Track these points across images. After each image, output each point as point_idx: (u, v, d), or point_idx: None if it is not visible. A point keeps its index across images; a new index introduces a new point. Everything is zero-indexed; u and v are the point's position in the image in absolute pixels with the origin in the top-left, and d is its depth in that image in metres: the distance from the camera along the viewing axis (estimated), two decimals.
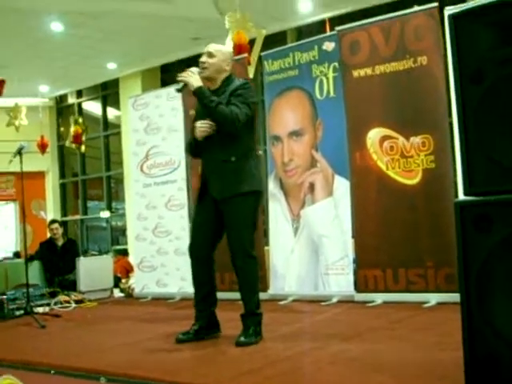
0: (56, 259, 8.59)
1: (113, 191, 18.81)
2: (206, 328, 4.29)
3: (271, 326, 4.37)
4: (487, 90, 2.49)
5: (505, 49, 2.45)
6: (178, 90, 4.32)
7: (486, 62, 2.49)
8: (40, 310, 6.53)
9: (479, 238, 2.44)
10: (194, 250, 4.33)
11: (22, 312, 6.19)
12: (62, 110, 19.71)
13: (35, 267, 8.46)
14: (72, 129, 16.14)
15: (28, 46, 13.67)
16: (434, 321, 4.75)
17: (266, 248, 6.81)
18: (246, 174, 4.20)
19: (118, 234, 18.40)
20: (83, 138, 16.23)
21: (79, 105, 19.09)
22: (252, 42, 10.01)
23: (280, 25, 13.11)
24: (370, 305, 5.66)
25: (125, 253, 11.84)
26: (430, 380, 2.85)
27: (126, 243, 15.79)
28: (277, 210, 6.73)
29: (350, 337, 4.20)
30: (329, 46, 6.42)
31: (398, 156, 5.77)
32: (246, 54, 7.82)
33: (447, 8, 5.20)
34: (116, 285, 8.39)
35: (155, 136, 7.81)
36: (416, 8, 5.83)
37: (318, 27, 12.27)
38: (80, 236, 18.97)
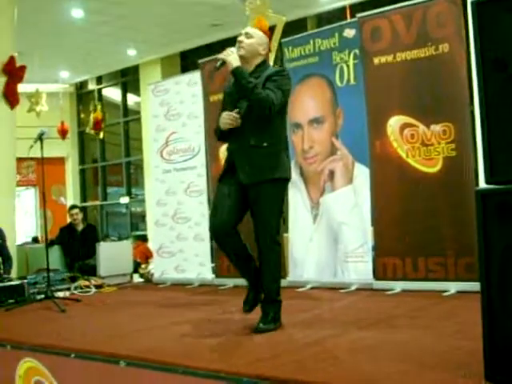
0: (76, 244, 8.65)
1: (132, 177, 18.88)
2: (259, 292, 4.25)
3: (289, 312, 4.37)
4: (510, 78, 2.47)
5: None
6: (217, 68, 4.26)
7: (509, 49, 2.47)
8: (60, 294, 6.61)
9: (500, 227, 2.43)
10: (215, 229, 4.21)
11: (42, 296, 6.25)
12: (82, 96, 19.79)
13: (55, 252, 8.53)
14: (92, 115, 16.19)
15: (49, 32, 13.73)
16: (453, 309, 4.73)
17: (285, 235, 6.79)
18: (277, 160, 4.15)
19: (138, 220, 18.48)
20: (103, 125, 16.28)
21: (99, 91, 19.17)
22: (272, 28, 9.98)
23: (300, 12, 13.06)
24: (389, 293, 5.65)
25: (144, 239, 11.91)
26: (449, 369, 2.85)
27: (145, 229, 15.88)
28: (296, 197, 6.72)
29: (369, 324, 4.20)
30: (349, 32, 6.38)
31: (418, 144, 5.73)
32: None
33: None
34: (135, 270, 8.44)
35: (175, 122, 7.82)
36: None
37: (339, 14, 12.21)
38: (100, 222, 19.08)
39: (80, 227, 8.95)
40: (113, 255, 7.93)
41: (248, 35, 4.27)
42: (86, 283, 7.21)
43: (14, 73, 9.10)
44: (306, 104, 6.68)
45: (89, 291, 7.02)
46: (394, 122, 5.87)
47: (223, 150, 5.74)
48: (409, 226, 5.72)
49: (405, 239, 5.73)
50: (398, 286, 5.72)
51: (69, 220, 9.22)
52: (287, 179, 4.29)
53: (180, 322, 4.14)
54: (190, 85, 7.67)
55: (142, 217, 17.66)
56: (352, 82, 6.34)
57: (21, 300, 6.24)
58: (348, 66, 6.37)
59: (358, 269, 6.13)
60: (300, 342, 3.70)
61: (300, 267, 6.60)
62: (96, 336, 4.30)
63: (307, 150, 6.59)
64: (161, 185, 7.96)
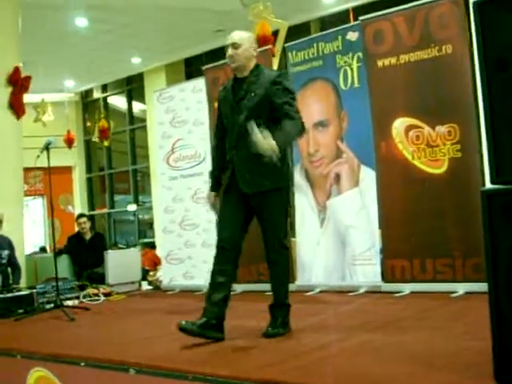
0: (84, 253, 8.66)
1: (139, 184, 18.93)
2: (211, 326, 3.96)
3: (298, 317, 4.37)
4: None
5: None
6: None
7: (511, 49, 2.47)
8: (69, 303, 6.62)
9: (506, 226, 2.43)
10: (225, 243, 4.12)
11: (51, 305, 6.24)
12: (87, 104, 19.88)
13: (64, 261, 8.55)
14: (98, 123, 16.27)
15: (53, 41, 13.80)
16: (461, 310, 4.73)
17: (292, 239, 6.79)
18: (280, 168, 4.05)
19: (145, 227, 18.52)
20: (109, 133, 16.35)
21: (105, 99, 19.23)
22: (275, 33, 10.00)
23: (303, 16, 13.10)
24: (398, 295, 5.64)
25: (152, 246, 11.93)
26: (457, 370, 2.84)
27: (153, 236, 15.90)
28: (303, 201, 6.72)
29: (378, 327, 4.19)
30: (352, 35, 6.38)
31: (423, 145, 5.73)
32: (270, 46, 7.81)
33: None
34: (144, 277, 8.44)
35: (181, 129, 7.84)
36: None
37: (342, 17, 12.23)
38: (107, 229, 19.12)
39: (88, 236, 8.96)
40: (121, 263, 7.94)
41: (236, 45, 4.13)
42: (95, 291, 7.22)
43: (20, 83, 9.14)
44: (311, 108, 6.68)
45: (98, 299, 7.02)
46: (399, 124, 5.87)
47: None
48: (416, 227, 5.71)
49: (411, 240, 5.72)
50: (407, 287, 5.71)
51: (77, 229, 9.23)
52: (289, 185, 4.31)
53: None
54: (195, 91, 7.68)
55: (150, 224, 17.70)
56: (356, 84, 6.35)
57: (30, 309, 6.25)
58: (352, 69, 6.37)
59: (366, 271, 6.12)
60: (309, 346, 3.70)
61: (308, 271, 6.60)
62: (105, 344, 4.30)
63: (313, 153, 6.59)
64: (168, 192, 7.97)
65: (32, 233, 16.22)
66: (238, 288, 6.85)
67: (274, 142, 3.75)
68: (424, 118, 5.73)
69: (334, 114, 6.49)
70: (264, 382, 2.94)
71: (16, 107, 9.09)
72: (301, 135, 4.22)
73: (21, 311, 6.20)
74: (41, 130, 14.46)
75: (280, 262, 4.15)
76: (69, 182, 19.56)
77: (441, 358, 3.12)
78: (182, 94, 7.90)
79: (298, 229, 6.78)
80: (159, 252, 9.24)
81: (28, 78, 9.34)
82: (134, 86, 18.30)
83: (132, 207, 18.43)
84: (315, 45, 6.69)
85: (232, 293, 6.51)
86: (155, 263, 9.42)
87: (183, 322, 3.93)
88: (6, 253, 7.63)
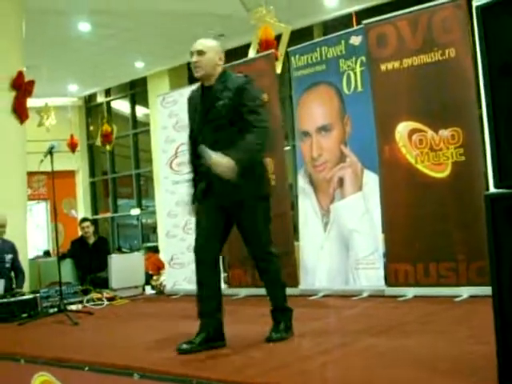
0: (87, 257, 8.67)
1: (142, 189, 18.94)
2: (211, 339, 3.95)
3: (301, 321, 4.37)
4: None
5: None
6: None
7: None
8: (73, 307, 6.63)
9: (510, 230, 2.43)
10: (200, 254, 4.06)
11: (55, 309, 6.26)
12: (90, 109, 19.91)
13: (67, 265, 8.56)
14: (101, 128, 16.30)
15: (56, 46, 13.83)
16: (465, 314, 4.72)
17: (295, 243, 6.81)
18: (258, 176, 4.03)
19: (149, 232, 18.52)
20: (113, 137, 16.38)
21: (108, 104, 19.25)
22: (278, 37, 10.01)
23: (306, 20, 13.11)
24: (401, 299, 5.63)
25: (156, 250, 11.92)
26: (462, 374, 2.84)
27: (156, 240, 15.90)
28: (306, 205, 6.73)
29: (381, 331, 4.19)
30: (356, 40, 6.39)
31: (427, 149, 5.73)
32: (273, 50, 7.81)
33: None
34: (147, 282, 8.44)
35: (184, 133, 7.79)
36: (443, 0, 5.78)
37: (345, 21, 12.23)
38: (111, 234, 19.13)
39: (91, 240, 8.96)
40: (124, 268, 7.93)
41: (201, 53, 4.05)
42: (99, 296, 7.22)
43: (23, 88, 9.17)
44: (314, 112, 6.69)
45: (101, 304, 7.03)
46: (403, 128, 5.87)
47: None
48: (419, 231, 5.71)
49: (414, 244, 5.71)
50: (410, 292, 5.70)
51: (80, 233, 9.24)
52: (269, 194, 4.16)
53: (193, 334, 4.13)
54: None
55: (153, 228, 17.71)
56: (359, 89, 6.35)
57: (34, 314, 6.26)
58: (355, 73, 6.38)
59: (370, 276, 6.12)
60: (312, 351, 3.69)
61: (311, 275, 6.60)
62: (109, 348, 4.31)
63: (316, 157, 6.59)
64: (171, 196, 7.97)
65: (35, 237, 16.25)
66: (240, 292, 6.86)
67: (231, 163, 3.73)
68: (427, 122, 5.73)
69: (337, 118, 6.49)
70: None
71: (19, 112, 9.12)
72: (265, 148, 4.01)
73: (24, 315, 6.22)
74: (44, 135, 14.49)
75: (270, 270, 4.10)
76: (72, 187, 19.58)
77: (445, 362, 3.11)
78: (185, 98, 7.85)
79: (301, 233, 6.78)
80: (162, 256, 9.24)
81: (31, 83, 9.37)
82: (137, 91, 18.33)
83: (135, 211, 18.44)
84: (318, 49, 6.70)
85: (234, 297, 6.56)
86: (159, 267, 9.41)
87: (183, 346, 3.89)
88: (9, 257, 7.65)
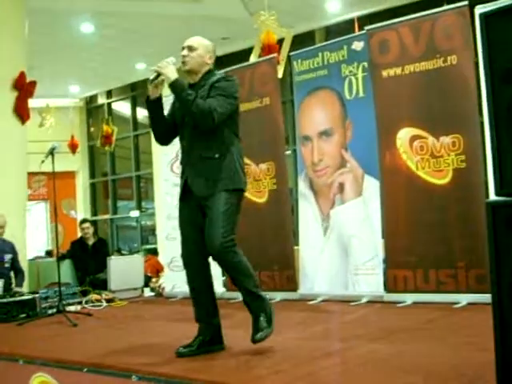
0: (87, 258, 8.67)
1: (142, 191, 18.94)
2: (208, 342, 3.95)
3: (300, 325, 4.38)
4: None
5: None
6: (151, 81, 3.99)
7: None
8: (72, 308, 6.62)
9: (511, 238, 2.43)
10: (187, 258, 4.03)
11: (54, 310, 6.25)
12: (92, 110, 19.92)
13: (66, 266, 8.56)
14: (102, 129, 16.32)
15: (58, 47, 13.84)
16: (464, 321, 4.72)
17: (295, 248, 6.81)
18: (230, 171, 3.90)
19: (148, 234, 18.52)
20: (113, 139, 16.39)
21: (109, 105, 19.26)
22: (281, 41, 10.02)
23: (308, 24, 13.12)
24: (400, 305, 5.63)
25: (155, 252, 11.92)
26: (460, 381, 2.84)
27: (155, 242, 15.90)
28: (306, 210, 6.73)
29: (380, 337, 4.18)
30: (358, 45, 6.40)
31: (427, 156, 5.73)
32: (275, 54, 7.82)
33: (478, 6, 5.14)
34: (146, 284, 8.44)
35: None
36: (446, 7, 5.80)
37: (347, 27, 12.25)
38: (110, 235, 19.12)
39: (91, 241, 8.97)
40: (123, 270, 7.93)
41: (191, 48, 4.03)
42: (98, 297, 7.22)
43: (25, 88, 9.18)
44: (315, 117, 6.70)
45: (100, 305, 7.02)
46: (404, 134, 5.87)
47: None
48: (419, 237, 5.72)
49: (414, 250, 5.72)
50: (409, 298, 5.71)
51: (80, 234, 9.25)
52: (242, 190, 4.00)
53: (191, 337, 4.13)
54: None
55: (152, 230, 17.71)
56: (361, 94, 6.36)
57: (33, 314, 6.26)
58: (357, 79, 6.39)
59: (369, 281, 6.12)
60: (310, 356, 3.69)
61: (311, 280, 6.59)
62: (108, 350, 4.30)
63: (317, 162, 6.60)
64: (171, 198, 7.95)
65: (35, 237, 16.23)
66: (239, 296, 6.82)
67: (173, 68, 3.89)
68: (428, 129, 5.74)
69: (338, 123, 6.50)
70: None
71: (21, 112, 9.13)
72: (200, 120, 3.83)
73: (23, 316, 6.22)
74: (45, 135, 14.50)
75: (229, 260, 3.85)
76: (72, 187, 19.59)
77: (443, 368, 3.11)
78: None
79: (301, 237, 6.78)
80: (162, 259, 9.24)
81: (33, 83, 9.38)
82: (138, 92, 18.34)
83: (135, 213, 18.44)
84: (320, 54, 6.71)
85: (232, 301, 6.56)
86: (157, 270, 9.41)
87: (181, 350, 3.89)
88: (8, 257, 7.65)
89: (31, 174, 12.60)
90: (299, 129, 6.90)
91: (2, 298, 6.44)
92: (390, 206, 5.97)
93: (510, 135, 2.49)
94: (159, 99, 4.07)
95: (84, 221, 9.45)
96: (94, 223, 10.55)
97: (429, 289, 5.63)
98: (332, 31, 13.23)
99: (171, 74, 3.90)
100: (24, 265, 8.22)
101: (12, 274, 7.72)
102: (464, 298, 5.38)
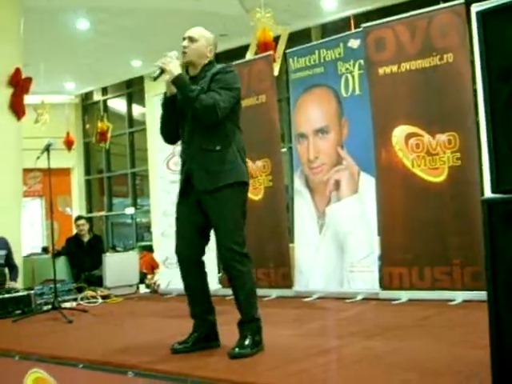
0: (82, 255, 8.67)
1: (138, 188, 18.92)
2: (204, 339, 3.93)
3: (295, 323, 4.38)
4: None
5: None
6: (154, 78, 3.96)
7: None
8: (67, 304, 6.61)
9: (506, 236, 2.43)
10: (181, 254, 3.97)
11: (49, 307, 6.24)
12: (87, 107, 19.88)
13: (62, 263, 8.55)
14: (97, 126, 16.30)
15: (54, 43, 13.80)
16: (460, 319, 4.73)
17: (290, 245, 6.81)
18: (232, 164, 3.81)
19: (143, 231, 18.50)
20: (108, 135, 16.37)
21: (104, 102, 19.23)
22: (277, 39, 10.02)
23: (305, 22, 13.11)
24: (395, 302, 5.64)
25: (150, 249, 11.91)
26: (456, 378, 2.85)
27: (150, 240, 15.88)
28: (302, 207, 6.73)
29: (375, 334, 4.19)
30: (354, 43, 6.40)
31: (423, 153, 5.74)
32: (271, 52, 7.82)
33: (474, 5, 5.14)
34: (141, 281, 8.44)
35: None
36: (442, 5, 5.81)
37: (343, 24, 12.26)
38: (105, 232, 19.10)
39: (86, 238, 8.96)
40: (119, 266, 7.93)
41: (192, 39, 3.96)
42: (93, 294, 7.22)
43: (21, 84, 9.17)
44: (311, 114, 6.70)
45: (95, 302, 7.02)
46: (400, 132, 5.88)
47: None
48: (415, 234, 5.73)
49: (410, 248, 5.73)
50: (405, 295, 5.72)
51: (75, 231, 9.24)
52: (245, 183, 3.89)
53: (186, 333, 4.13)
54: None
55: (148, 227, 17.69)
56: (357, 92, 6.36)
57: (28, 311, 6.26)
58: (353, 77, 6.39)
59: (365, 278, 6.12)
60: (307, 352, 3.69)
61: (306, 277, 6.60)
62: (103, 346, 4.30)
63: (313, 159, 6.60)
64: (167, 195, 7.95)
65: (29, 234, 16.18)
66: None
67: (176, 62, 3.86)
68: (424, 126, 5.75)
69: (334, 120, 6.50)
70: None
71: (16, 108, 9.12)
72: (203, 116, 3.76)
73: (18, 312, 6.22)
74: (40, 132, 14.45)
75: (241, 272, 3.79)
76: (67, 184, 19.54)
77: (438, 365, 3.12)
78: None
79: (296, 235, 6.79)
80: (157, 256, 9.23)
81: (29, 80, 9.37)
82: (134, 89, 18.31)
83: (130, 210, 18.42)
84: (316, 51, 6.70)
85: (228, 297, 6.56)
86: (153, 266, 9.41)
87: (176, 346, 3.88)
88: (2, 253, 7.62)
89: (26, 171, 12.58)
90: (295, 126, 6.90)
91: None
92: (386, 204, 5.98)
93: (507, 133, 2.49)
94: (175, 96, 3.98)
95: (79, 217, 9.44)
96: (89, 220, 10.55)
97: (424, 286, 5.64)
98: (328, 29, 13.22)
99: (175, 69, 3.85)
100: (19, 261, 8.20)
101: (6, 270, 7.70)
102: (459, 296, 5.39)
